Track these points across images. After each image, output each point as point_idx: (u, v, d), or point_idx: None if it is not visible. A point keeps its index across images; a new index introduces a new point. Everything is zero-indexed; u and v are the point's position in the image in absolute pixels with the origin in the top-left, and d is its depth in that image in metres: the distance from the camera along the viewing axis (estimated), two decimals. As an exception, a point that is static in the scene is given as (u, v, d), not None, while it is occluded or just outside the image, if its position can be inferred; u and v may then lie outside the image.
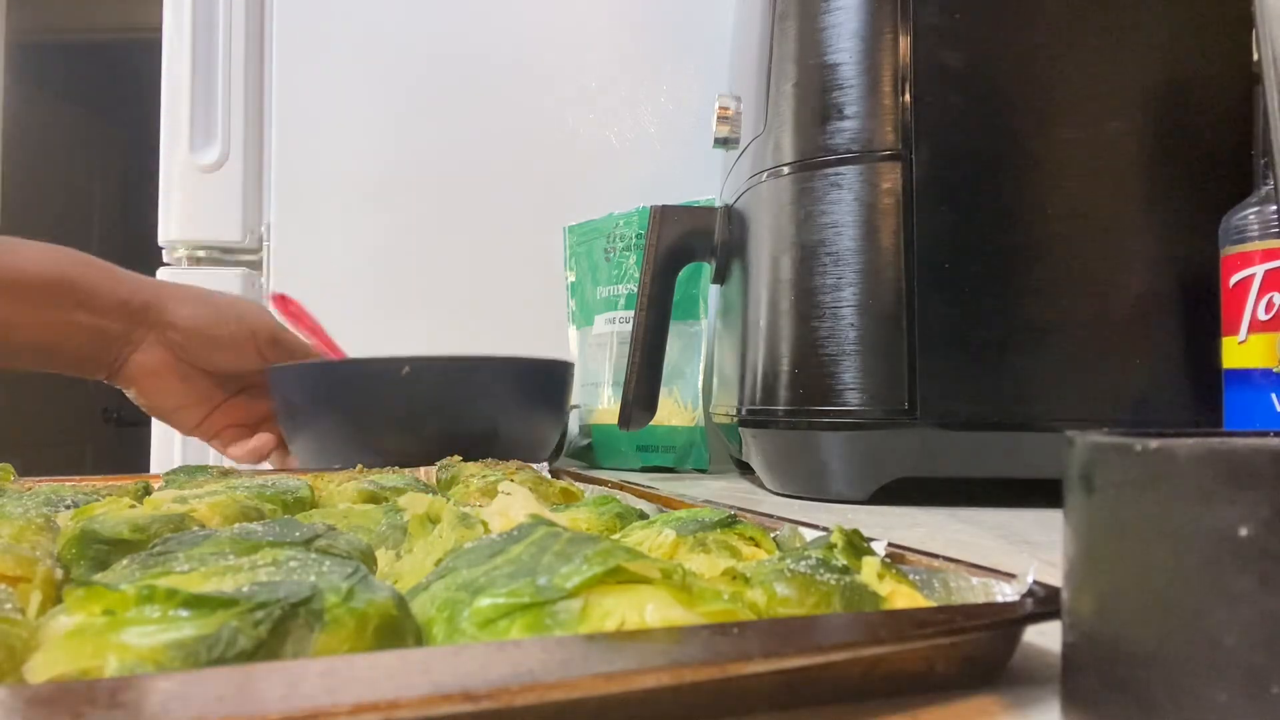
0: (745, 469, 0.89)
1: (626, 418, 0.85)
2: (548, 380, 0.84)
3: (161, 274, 1.23)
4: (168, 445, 1.22)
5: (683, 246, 0.87)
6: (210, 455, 1.21)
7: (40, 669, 0.21)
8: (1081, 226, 0.67)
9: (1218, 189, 0.66)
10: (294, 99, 1.27)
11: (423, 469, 0.72)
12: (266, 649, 0.22)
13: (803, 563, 0.30)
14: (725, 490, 0.78)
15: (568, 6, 1.27)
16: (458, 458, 0.69)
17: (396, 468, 0.70)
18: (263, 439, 0.74)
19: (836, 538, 0.32)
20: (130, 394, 0.72)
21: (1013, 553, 0.47)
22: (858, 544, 0.32)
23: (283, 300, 0.86)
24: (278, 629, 0.22)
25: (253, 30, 1.28)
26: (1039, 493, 0.62)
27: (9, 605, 0.24)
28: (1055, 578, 0.24)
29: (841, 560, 0.31)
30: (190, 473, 0.60)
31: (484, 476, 0.59)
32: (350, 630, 0.23)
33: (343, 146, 1.25)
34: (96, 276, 0.66)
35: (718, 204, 0.94)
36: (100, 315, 0.65)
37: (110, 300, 0.65)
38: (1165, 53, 0.68)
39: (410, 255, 1.23)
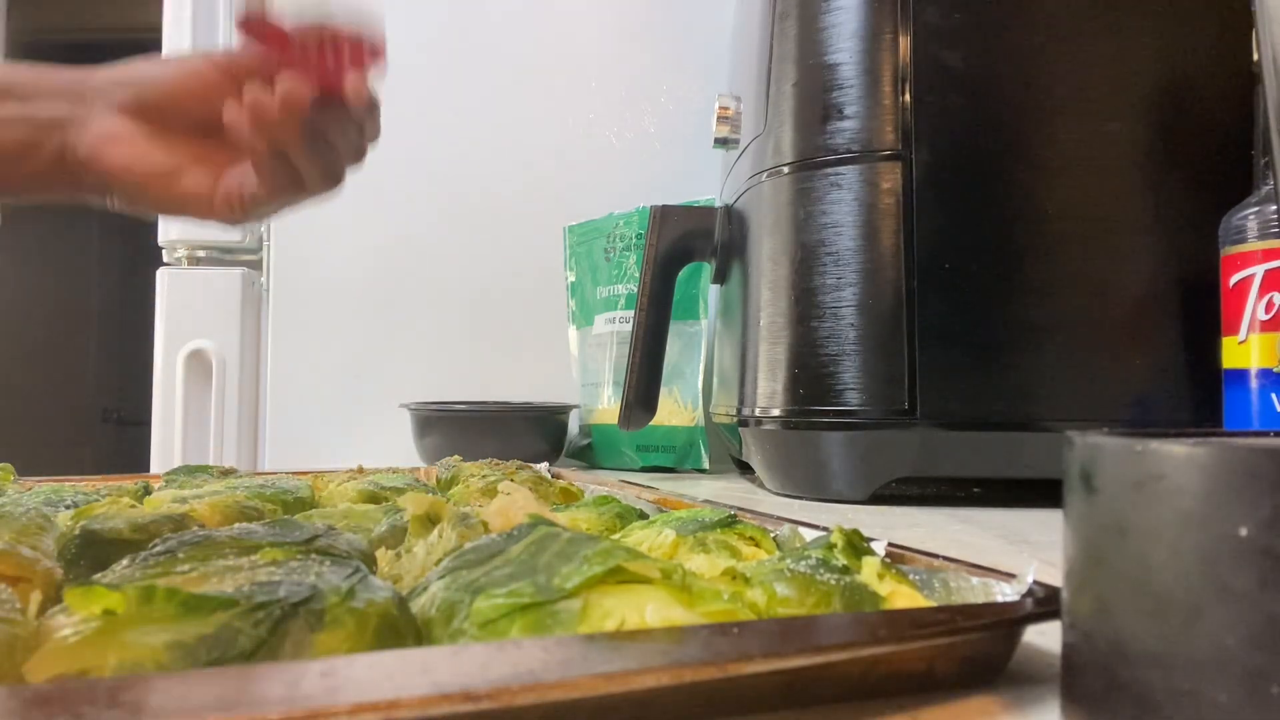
0: (745, 469, 0.89)
1: (626, 418, 0.85)
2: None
3: (161, 274, 1.23)
4: (168, 445, 1.22)
5: (683, 246, 0.87)
6: (210, 455, 1.22)
7: (40, 669, 0.21)
8: (1081, 226, 0.67)
9: (1218, 189, 0.66)
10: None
11: (423, 469, 0.72)
12: (266, 649, 0.22)
13: (803, 563, 0.30)
14: (725, 490, 0.78)
15: (568, 7, 1.27)
16: (458, 457, 0.69)
17: (396, 468, 0.70)
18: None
19: (836, 538, 0.32)
20: (108, 188, 0.57)
21: (1013, 553, 0.47)
22: (858, 544, 0.32)
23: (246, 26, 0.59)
24: (278, 629, 0.22)
25: (253, 30, 1.28)
26: (1039, 493, 0.62)
27: (9, 605, 0.24)
28: (1055, 578, 0.24)
29: (841, 560, 0.31)
30: (190, 472, 0.60)
31: (484, 476, 0.59)
32: (350, 630, 0.23)
33: (343, 146, 1.25)
34: (22, 71, 0.54)
35: (718, 204, 0.94)
36: (30, 102, 0.54)
37: (39, 86, 0.54)
38: (1165, 53, 0.68)
39: (410, 255, 1.23)
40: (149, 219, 1.08)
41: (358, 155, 0.56)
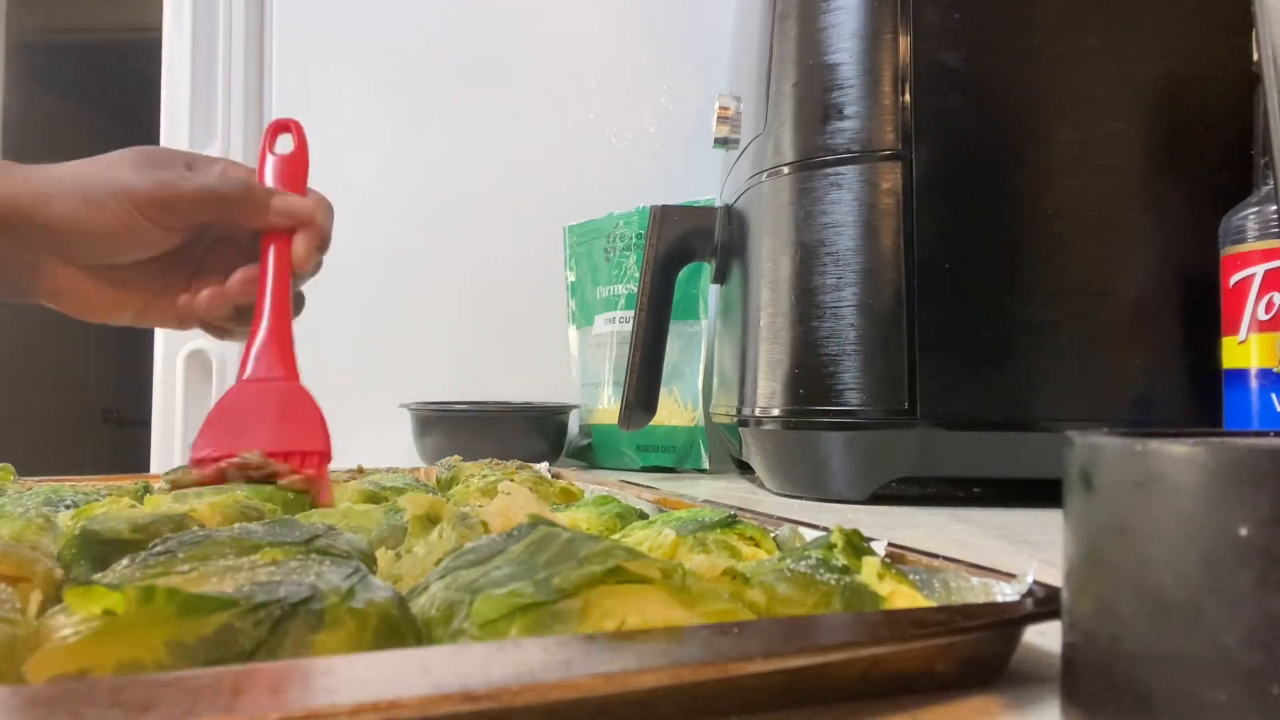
0: (745, 469, 0.89)
1: (626, 418, 0.85)
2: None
3: (161, 274, 1.23)
4: (168, 445, 1.22)
5: (683, 246, 0.87)
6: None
7: (40, 669, 0.21)
8: (1081, 226, 0.67)
9: (1218, 189, 0.66)
10: (294, 99, 1.27)
11: (423, 468, 0.72)
12: (266, 649, 0.22)
13: (803, 563, 0.30)
14: (725, 490, 0.78)
15: (568, 7, 1.27)
16: (458, 457, 0.69)
17: (396, 468, 0.70)
18: (204, 295, 0.57)
19: (836, 538, 0.32)
20: (82, 319, 0.59)
21: (1013, 553, 0.47)
22: (858, 544, 0.32)
23: (277, 130, 0.60)
24: (278, 629, 0.22)
25: (253, 30, 1.28)
26: (1039, 493, 0.62)
27: (9, 605, 0.24)
28: (1055, 578, 0.24)
29: (841, 560, 0.31)
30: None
31: (484, 476, 0.59)
32: (350, 630, 0.23)
33: (342, 146, 1.25)
34: None
35: (718, 204, 0.94)
36: None
37: None
38: (1165, 53, 0.68)
39: (410, 255, 1.23)
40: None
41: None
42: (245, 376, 0.52)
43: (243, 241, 0.57)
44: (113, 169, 0.53)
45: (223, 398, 0.53)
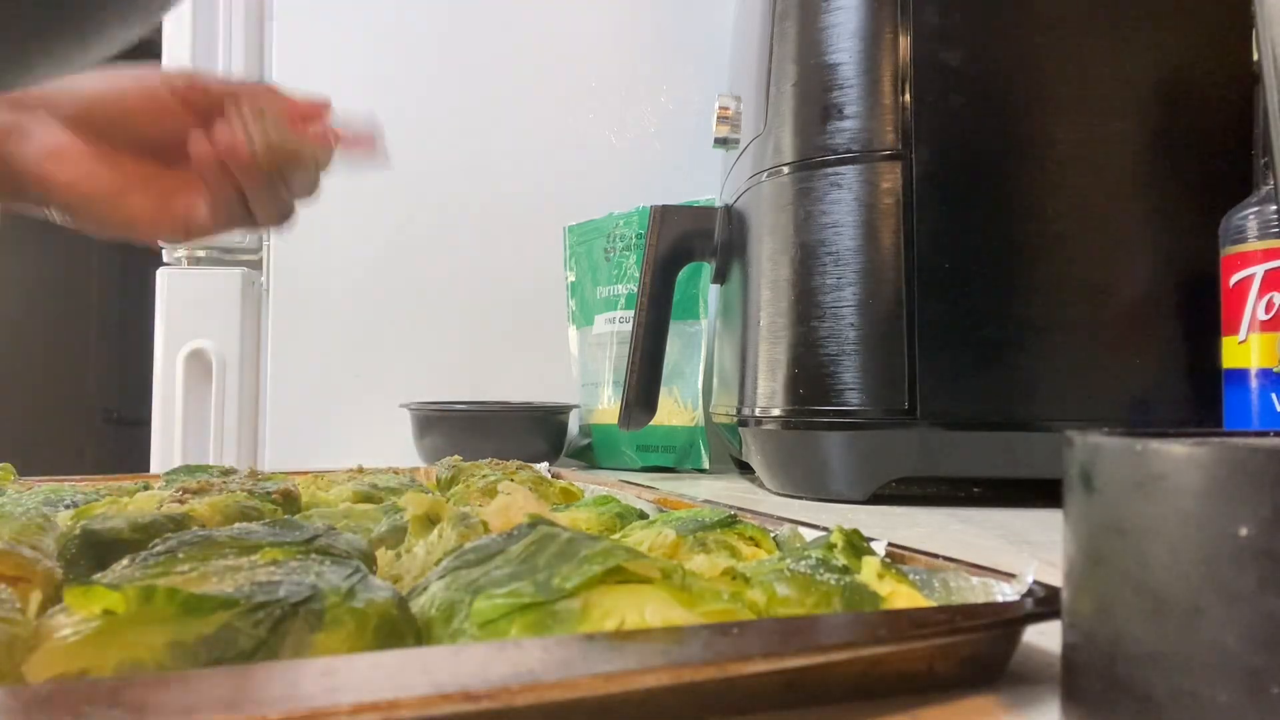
0: (745, 469, 0.89)
1: (626, 418, 0.85)
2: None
3: (161, 274, 1.23)
4: (168, 445, 1.22)
5: (683, 246, 0.87)
6: (210, 455, 1.22)
7: (40, 669, 0.21)
8: (1081, 226, 0.67)
9: (1218, 189, 0.66)
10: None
11: (422, 469, 0.72)
12: (266, 649, 0.22)
13: (803, 563, 0.30)
14: (725, 490, 0.78)
15: (568, 6, 1.27)
16: (457, 457, 0.69)
17: (396, 468, 0.70)
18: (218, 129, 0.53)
19: (836, 538, 0.32)
20: (49, 202, 0.54)
21: (1013, 553, 0.47)
22: (858, 544, 0.32)
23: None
24: (278, 629, 0.22)
25: (252, 30, 1.28)
26: (1039, 493, 0.62)
27: (9, 605, 0.24)
28: (1055, 578, 0.24)
29: (841, 560, 0.31)
30: (190, 472, 0.60)
31: (484, 476, 0.59)
32: (350, 630, 0.23)
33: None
34: None
35: (718, 204, 0.94)
36: None
37: None
38: (1165, 53, 0.68)
39: (410, 255, 1.23)
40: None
41: (311, 193, 0.55)
42: None
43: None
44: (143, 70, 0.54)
45: None
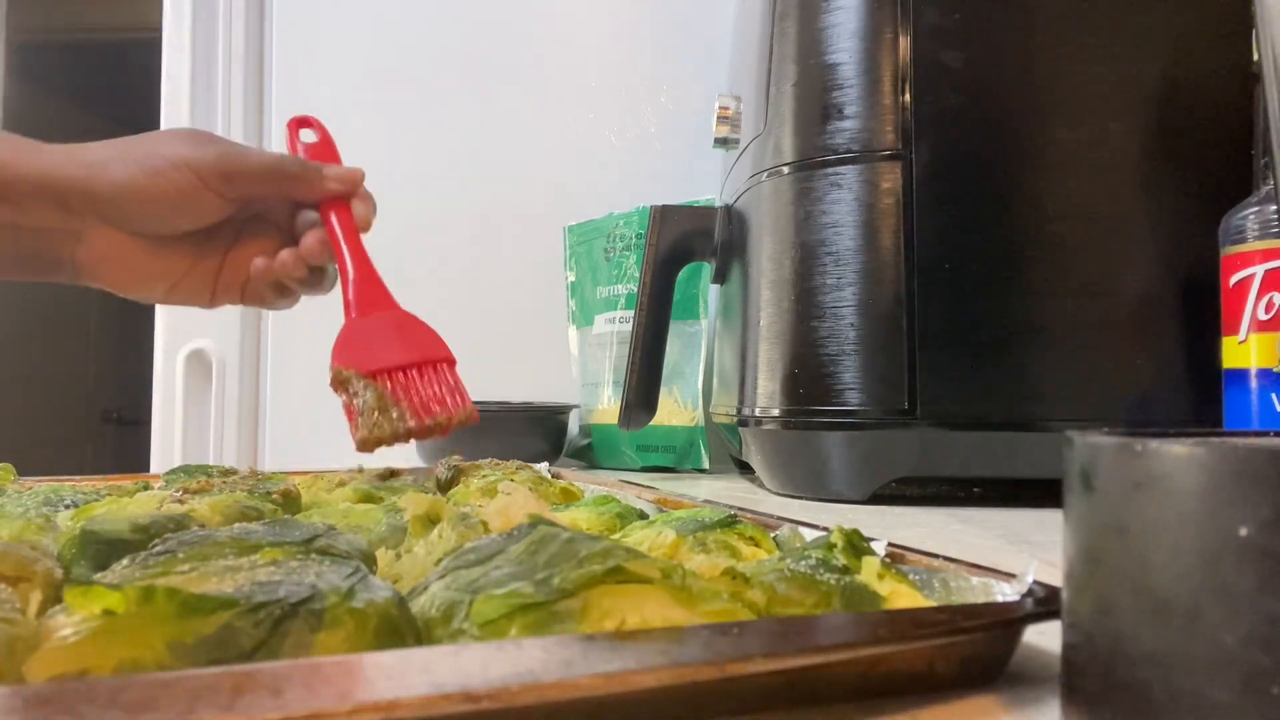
0: (745, 469, 0.89)
1: (626, 418, 0.85)
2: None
3: (161, 274, 1.23)
4: (168, 445, 1.22)
5: (683, 246, 0.87)
6: (210, 455, 1.22)
7: (40, 669, 0.21)
8: (1081, 226, 0.67)
9: (1218, 189, 0.66)
10: (293, 98, 1.26)
11: (423, 469, 0.72)
12: (266, 649, 0.22)
13: (803, 562, 0.30)
14: (725, 490, 0.78)
15: (568, 6, 1.27)
16: (458, 457, 0.69)
17: (396, 468, 0.70)
18: (284, 256, 0.58)
19: (836, 538, 0.32)
20: (115, 290, 0.60)
21: (1013, 553, 0.47)
22: (858, 544, 0.32)
23: (299, 125, 0.65)
24: (278, 629, 0.22)
25: (253, 29, 1.28)
26: (1039, 493, 0.62)
27: (9, 605, 0.24)
28: (1055, 578, 0.24)
29: (841, 560, 0.31)
30: (190, 473, 0.60)
31: (484, 476, 0.59)
32: (350, 630, 0.23)
33: (343, 147, 1.25)
34: (4, 153, 0.52)
35: (718, 204, 0.94)
36: (20, 206, 0.53)
37: (29, 184, 0.53)
38: (1165, 53, 0.68)
39: (410, 255, 1.23)
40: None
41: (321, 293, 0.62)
42: (355, 316, 0.55)
43: (278, 218, 0.60)
44: (166, 143, 0.55)
45: (342, 331, 0.54)
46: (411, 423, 0.48)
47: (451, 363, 0.54)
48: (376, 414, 0.48)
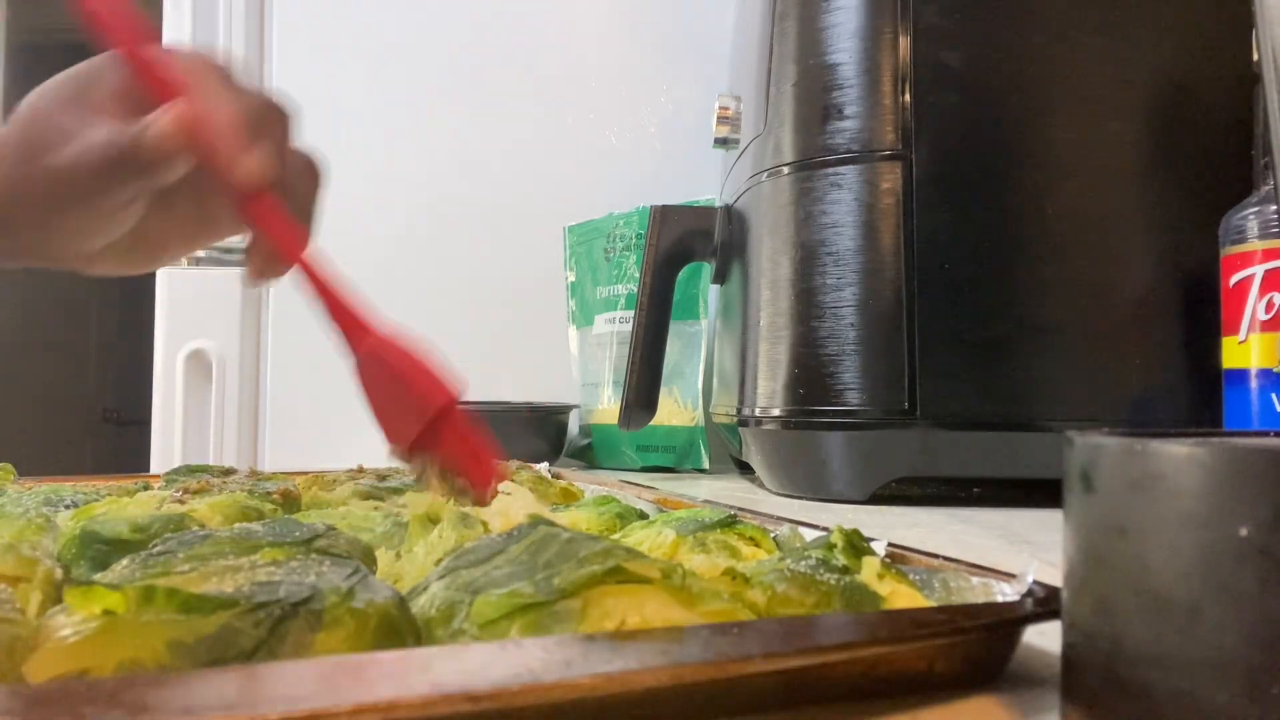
0: (745, 469, 0.89)
1: (626, 418, 0.85)
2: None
3: (161, 274, 1.23)
4: (168, 445, 1.22)
5: (683, 246, 0.87)
6: (210, 455, 1.22)
7: (40, 669, 0.21)
8: (1081, 226, 0.67)
9: (1218, 189, 0.66)
10: (293, 99, 1.26)
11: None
12: (266, 649, 0.22)
13: (803, 563, 0.30)
14: (725, 490, 0.78)
15: (568, 6, 1.27)
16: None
17: (396, 468, 0.70)
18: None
19: (836, 538, 0.32)
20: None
21: (1013, 553, 0.47)
22: (858, 544, 0.32)
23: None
24: (278, 629, 0.22)
25: (253, 30, 1.28)
26: (1039, 493, 0.62)
27: (9, 605, 0.24)
28: (1055, 578, 0.24)
29: (841, 560, 0.31)
30: (190, 473, 0.60)
31: (484, 476, 0.58)
32: (350, 630, 0.23)
33: (342, 146, 1.25)
34: None
35: (718, 204, 0.94)
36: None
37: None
38: (1165, 53, 0.68)
39: (410, 255, 1.23)
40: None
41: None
42: (360, 357, 0.50)
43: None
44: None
45: (364, 386, 0.50)
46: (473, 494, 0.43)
47: (455, 403, 0.48)
48: (440, 480, 0.45)
